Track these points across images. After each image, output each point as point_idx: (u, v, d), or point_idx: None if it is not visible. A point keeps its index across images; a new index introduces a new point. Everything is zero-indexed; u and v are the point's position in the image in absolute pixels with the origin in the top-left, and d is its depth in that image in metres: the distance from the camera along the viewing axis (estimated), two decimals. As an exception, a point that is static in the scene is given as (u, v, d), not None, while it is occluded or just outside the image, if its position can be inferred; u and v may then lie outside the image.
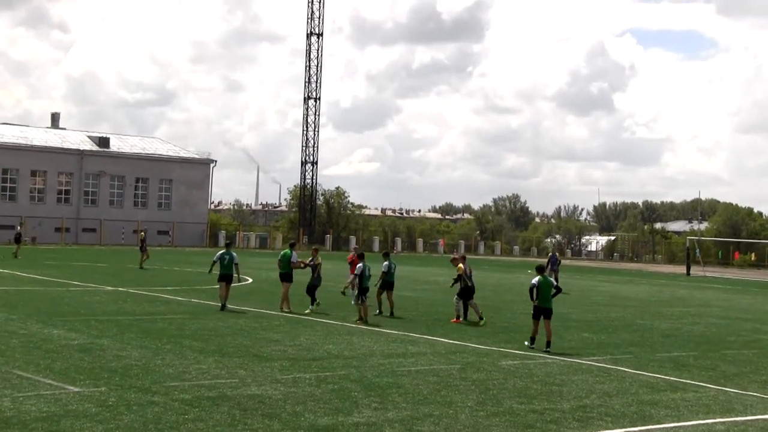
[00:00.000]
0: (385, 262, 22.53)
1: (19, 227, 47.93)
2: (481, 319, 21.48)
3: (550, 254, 36.26)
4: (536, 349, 17.20)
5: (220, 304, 22.08)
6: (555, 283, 18.08)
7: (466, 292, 21.95)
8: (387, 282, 22.58)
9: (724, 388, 13.92)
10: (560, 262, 35.39)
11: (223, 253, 22.45)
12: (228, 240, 29.43)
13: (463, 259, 22.58)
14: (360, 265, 21.02)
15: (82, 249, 58.19)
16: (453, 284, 22.90)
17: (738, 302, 34.43)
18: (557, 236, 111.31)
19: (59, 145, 71.48)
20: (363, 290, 20.76)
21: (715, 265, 73.90)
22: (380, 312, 22.37)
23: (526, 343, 17.80)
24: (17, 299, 22.62)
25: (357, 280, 20.90)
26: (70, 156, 70.73)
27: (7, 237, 63.95)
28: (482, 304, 27.54)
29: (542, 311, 17.43)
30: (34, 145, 70.02)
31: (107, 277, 32.09)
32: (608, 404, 12.15)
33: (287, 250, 22.89)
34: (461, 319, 21.92)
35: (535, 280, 17.46)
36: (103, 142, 73.87)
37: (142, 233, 42.53)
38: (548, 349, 17.11)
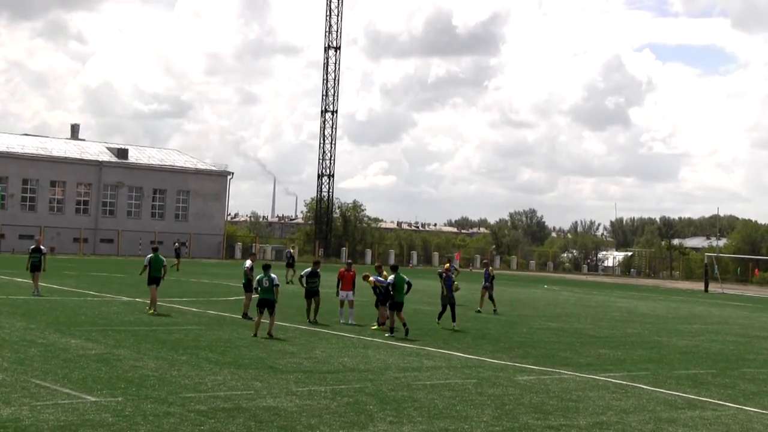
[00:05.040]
0: (307, 269, 23.50)
1: (176, 243, 48.84)
2: (380, 325, 21.85)
3: (484, 270, 31.58)
4: (396, 338, 19.93)
5: (241, 314, 23.09)
6: (407, 279, 21.05)
7: (384, 298, 22.23)
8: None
9: (743, 407, 13.79)
10: (494, 276, 30.76)
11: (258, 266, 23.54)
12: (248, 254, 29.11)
13: (379, 268, 23.54)
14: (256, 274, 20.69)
15: (100, 259, 58.52)
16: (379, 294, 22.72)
17: (757, 320, 34.14)
18: (573, 251, 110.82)
19: (78, 156, 72.10)
20: (260, 302, 19.61)
21: (734, 282, 73.40)
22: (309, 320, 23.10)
23: (386, 334, 20.23)
24: (36, 309, 22.77)
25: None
26: (89, 167, 71.33)
27: (27, 246, 64.67)
28: (499, 319, 27.53)
29: (396, 305, 20.62)
30: (53, 156, 70.68)
31: (124, 287, 32.23)
32: (625, 421, 12.06)
33: (156, 254, 23.78)
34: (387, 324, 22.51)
35: (391, 278, 20.81)
36: (122, 153, 74.45)
37: (292, 248, 42.24)
38: (407, 336, 19.98)
